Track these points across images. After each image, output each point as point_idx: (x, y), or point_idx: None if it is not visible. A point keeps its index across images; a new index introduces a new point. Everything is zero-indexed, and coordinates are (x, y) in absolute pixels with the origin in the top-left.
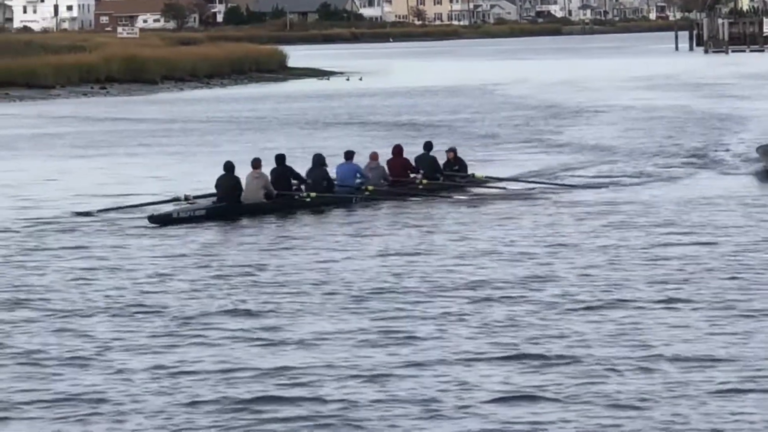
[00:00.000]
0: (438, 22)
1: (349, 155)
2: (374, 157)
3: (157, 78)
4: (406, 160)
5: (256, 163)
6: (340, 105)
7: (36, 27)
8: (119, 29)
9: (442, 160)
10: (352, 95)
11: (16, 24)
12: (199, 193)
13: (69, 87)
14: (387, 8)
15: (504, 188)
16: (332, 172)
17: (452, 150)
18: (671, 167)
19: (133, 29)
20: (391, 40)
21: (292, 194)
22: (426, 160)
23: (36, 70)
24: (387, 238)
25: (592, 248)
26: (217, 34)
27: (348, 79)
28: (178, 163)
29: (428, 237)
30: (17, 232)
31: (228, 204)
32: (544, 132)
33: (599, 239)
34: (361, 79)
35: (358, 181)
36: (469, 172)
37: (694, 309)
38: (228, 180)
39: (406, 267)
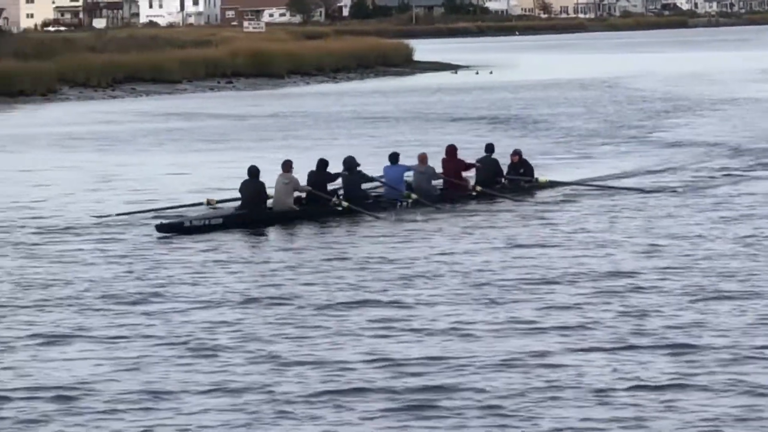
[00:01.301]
0: (563, 15)
1: (394, 157)
2: (423, 158)
3: (283, 72)
4: (461, 162)
5: (287, 166)
6: (470, 98)
7: (162, 22)
8: (245, 23)
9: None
10: (483, 88)
11: (142, 19)
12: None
13: (195, 82)
14: (513, 1)
15: (567, 192)
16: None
17: (517, 153)
18: None
19: (259, 23)
20: (516, 33)
21: (326, 198)
22: (486, 162)
23: (162, 65)
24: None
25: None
26: (343, 28)
27: (477, 73)
28: (295, 157)
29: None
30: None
31: (250, 211)
32: (655, 127)
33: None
34: (491, 73)
35: (403, 187)
36: (536, 175)
37: None
38: (252, 185)
39: (512, 261)
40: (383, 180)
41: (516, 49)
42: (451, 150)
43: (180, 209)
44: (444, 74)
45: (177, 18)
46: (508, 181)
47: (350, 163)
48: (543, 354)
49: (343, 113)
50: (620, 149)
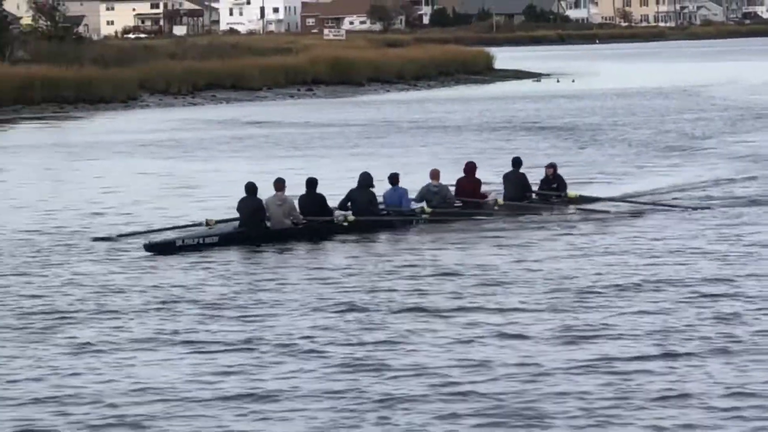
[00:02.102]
0: (644, 24)
1: (394, 179)
2: (435, 175)
3: (364, 80)
4: (478, 181)
5: (279, 185)
6: (552, 107)
7: (242, 29)
8: (325, 31)
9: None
10: (565, 96)
11: (223, 26)
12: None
13: (275, 89)
14: (593, 10)
15: (595, 209)
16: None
17: (552, 166)
18: None
19: (339, 31)
20: (597, 41)
21: (326, 219)
22: (512, 178)
23: (242, 73)
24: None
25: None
26: (423, 36)
27: (558, 81)
28: (370, 165)
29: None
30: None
31: (248, 229)
32: (731, 137)
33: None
34: (573, 81)
35: (410, 206)
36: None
37: None
38: (249, 203)
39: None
40: (383, 206)
41: (597, 58)
42: (469, 168)
43: (177, 230)
44: (525, 82)
45: (257, 25)
46: (537, 196)
47: (364, 181)
48: (630, 359)
49: (422, 121)
50: (691, 160)
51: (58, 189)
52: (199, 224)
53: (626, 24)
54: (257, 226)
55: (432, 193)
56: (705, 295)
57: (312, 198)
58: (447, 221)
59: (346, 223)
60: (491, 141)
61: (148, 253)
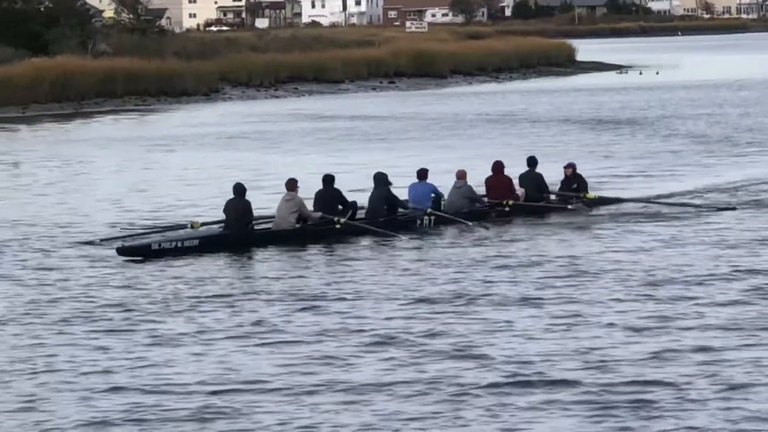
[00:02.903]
0: (726, 16)
1: (422, 174)
2: (461, 175)
3: (446, 72)
4: (508, 179)
5: (291, 185)
6: (635, 98)
7: (324, 22)
8: (408, 23)
9: (550, 177)
10: (652, 89)
11: (305, 19)
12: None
13: (357, 81)
14: (675, 2)
15: (617, 209)
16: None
17: (571, 166)
18: None
19: (421, 23)
20: (679, 33)
21: (329, 218)
22: (528, 178)
23: (325, 65)
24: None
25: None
26: (505, 29)
27: (641, 73)
28: (447, 157)
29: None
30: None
31: (233, 232)
32: None
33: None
34: (657, 73)
35: (431, 203)
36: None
37: None
38: (237, 204)
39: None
40: (407, 202)
41: (679, 50)
42: (498, 166)
43: (164, 233)
44: (607, 74)
45: (339, 18)
46: (556, 197)
47: (378, 181)
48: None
49: (505, 113)
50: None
51: (139, 181)
52: (184, 226)
53: (708, 16)
54: (243, 228)
55: (454, 189)
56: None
57: (328, 194)
58: (456, 221)
59: (338, 226)
60: (573, 133)
61: (122, 258)
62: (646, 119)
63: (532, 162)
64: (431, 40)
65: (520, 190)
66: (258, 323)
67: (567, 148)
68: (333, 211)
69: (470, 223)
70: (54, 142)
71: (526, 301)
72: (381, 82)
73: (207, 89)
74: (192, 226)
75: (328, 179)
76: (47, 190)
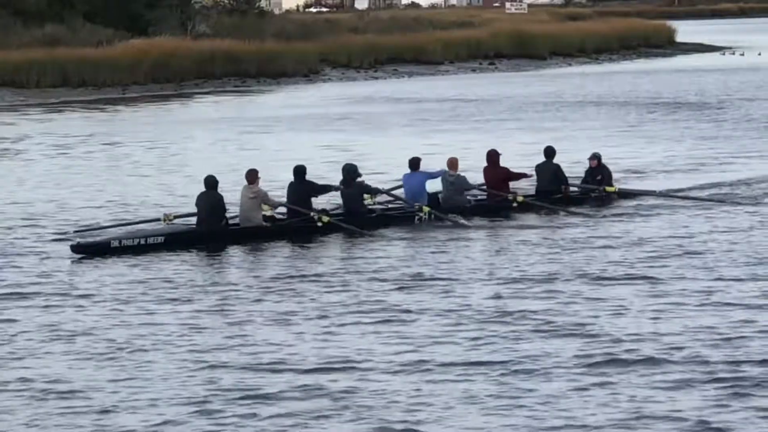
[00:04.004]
0: None
1: (414, 163)
2: (453, 163)
3: (545, 53)
4: (505, 170)
5: (251, 176)
6: (739, 79)
7: (423, 3)
8: (507, 5)
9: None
10: (752, 69)
11: (404, 0)
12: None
13: (457, 63)
14: None
15: (639, 203)
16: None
17: (596, 157)
18: None
19: (521, 5)
20: None
21: (305, 213)
22: (544, 169)
23: (424, 46)
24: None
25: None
26: (605, 9)
27: (743, 54)
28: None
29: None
30: None
31: (205, 227)
32: None
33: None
34: (759, 54)
35: (434, 188)
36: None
37: None
38: (208, 198)
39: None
40: (392, 191)
41: None
42: (493, 156)
43: (138, 225)
44: (708, 56)
45: None
46: (576, 189)
47: (348, 173)
48: None
49: (604, 95)
50: None
51: (236, 162)
52: (157, 220)
53: None
54: (215, 224)
55: (448, 183)
56: None
57: (300, 187)
58: (454, 220)
59: (320, 224)
60: (682, 115)
61: (77, 256)
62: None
63: (549, 152)
64: (531, 21)
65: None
66: (362, 304)
67: (680, 133)
68: (306, 206)
69: (468, 223)
70: (153, 123)
71: (642, 279)
72: (480, 64)
73: (306, 70)
74: (165, 219)
75: (300, 171)
76: (144, 171)
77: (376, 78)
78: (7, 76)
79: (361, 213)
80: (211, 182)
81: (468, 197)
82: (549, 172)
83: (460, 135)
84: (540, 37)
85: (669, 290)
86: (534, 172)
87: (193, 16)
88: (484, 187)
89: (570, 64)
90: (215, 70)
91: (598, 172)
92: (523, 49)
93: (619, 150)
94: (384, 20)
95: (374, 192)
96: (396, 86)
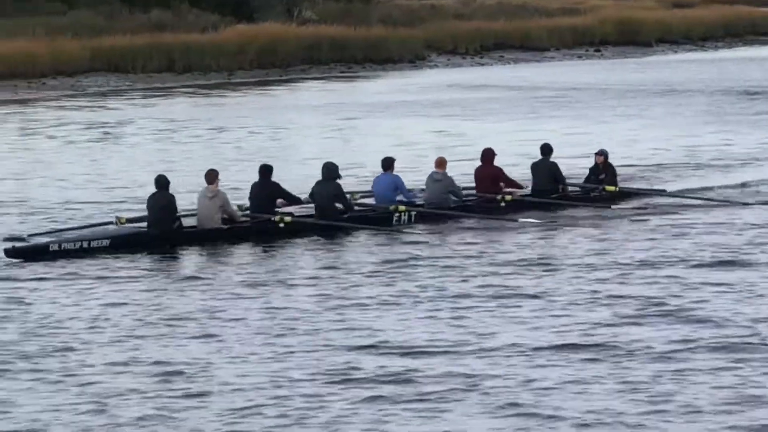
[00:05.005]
0: None
1: (387, 164)
2: (440, 163)
3: (652, 40)
4: (498, 170)
5: (210, 177)
6: None
7: None
8: None
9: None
10: None
11: None
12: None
13: (563, 50)
14: None
15: (642, 206)
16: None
17: (602, 153)
18: None
19: None
20: None
21: (266, 217)
22: (541, 167)
23: (530, 33)
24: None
25: None
26: None
27: None
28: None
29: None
30: None
31: (155, 230)
32: None
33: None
34: None
35: (399, 197)
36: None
37: None
38: (159, 199)
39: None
40: (360, 196)
41: None
42: (488, 155)
43: (86, 229)
44: None
45: None
46: (570, 189)
47: (328, 171)
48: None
49: (708, 83)
50: None
51: (338, 146)
52: (109, 223)
53: None
54: (166, 226)
55: (433, 181)
56: None
57: (264, 187)
58: (436, 219)
59: (282, 224)
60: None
61: (15, 260)
62: None
63: (545, 149)
64: (637, 8)
65: (525, 182)
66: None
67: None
68: (270, 209)
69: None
70: (259, 108)
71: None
72: (586, 50)
73: (412, 56)
74: (118, 222)
75: (265, 170)
76: (250, 157)
77: (482, 64)
78: (113, 61)
79: (333, 214)
80: (162, 182)
81: (453, 198)
82: (545, 170)
83: (568, 121)
84: (646, 23)
85: None
86: (531, 174)
87: (298, 2)
88: (472, 186)
89: (676, 52)
90: (321, 56)
91: (603, 170)
92: (628, 36)
93: (720, 138)
94: (490, 6)
95: (346, 201)
96: (502, 73)
